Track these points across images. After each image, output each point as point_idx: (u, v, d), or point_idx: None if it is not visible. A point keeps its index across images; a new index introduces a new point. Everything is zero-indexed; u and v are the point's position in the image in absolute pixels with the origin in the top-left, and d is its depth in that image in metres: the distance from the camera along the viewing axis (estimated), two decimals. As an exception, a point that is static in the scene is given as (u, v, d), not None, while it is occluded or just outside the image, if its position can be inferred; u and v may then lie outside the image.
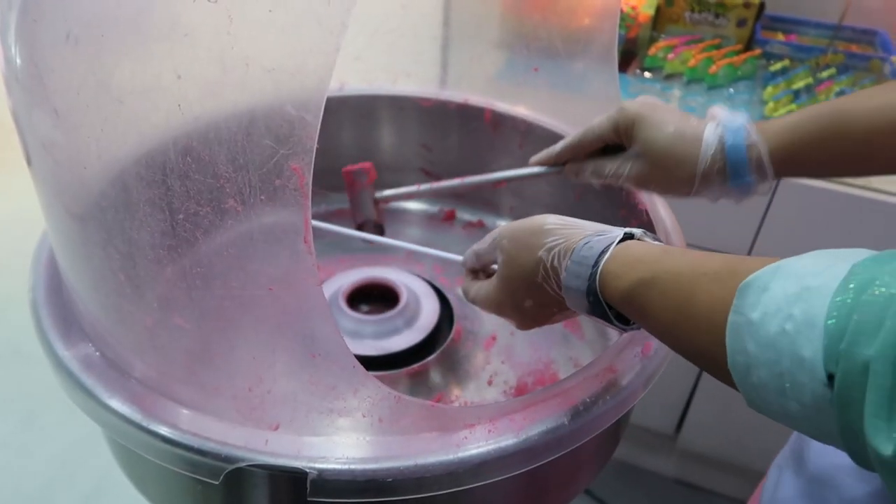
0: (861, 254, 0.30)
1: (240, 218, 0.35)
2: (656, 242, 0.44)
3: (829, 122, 0.51)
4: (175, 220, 0.36)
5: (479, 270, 0.56)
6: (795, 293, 0.29)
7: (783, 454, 0.55)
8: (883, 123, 0.49)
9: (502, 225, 0.53)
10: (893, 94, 0.49)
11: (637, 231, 0.44)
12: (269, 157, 0.33)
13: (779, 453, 0.56)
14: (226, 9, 0.33)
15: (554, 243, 0.45)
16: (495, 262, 0.52)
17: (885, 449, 0.25)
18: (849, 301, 0.27)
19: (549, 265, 0.45)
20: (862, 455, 0.27)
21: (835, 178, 0.57)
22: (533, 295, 0.48)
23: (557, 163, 0.63)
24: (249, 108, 0.33)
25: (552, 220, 0.47)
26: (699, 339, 0.35)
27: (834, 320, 0.27)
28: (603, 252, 0.42)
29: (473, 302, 0.54)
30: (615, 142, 0.59)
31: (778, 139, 0.52)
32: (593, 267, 0.42)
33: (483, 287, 0.53)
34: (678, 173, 0.54)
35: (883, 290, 0.26)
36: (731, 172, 0.53)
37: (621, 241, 0.43)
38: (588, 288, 0.42)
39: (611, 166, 0.58)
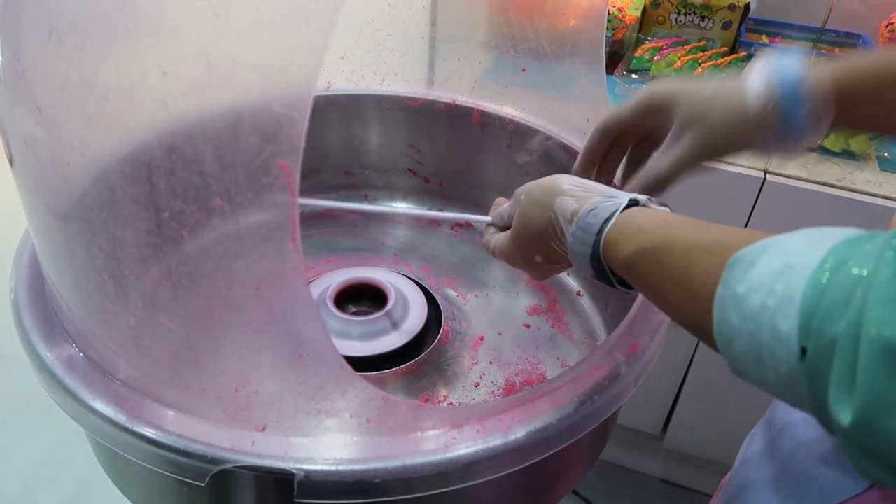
0: (845, 233, 0.31)
1: (226, 216, 0.35)
2: (661, 208, 0.45)
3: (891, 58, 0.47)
4: (160, 219, 0.36)
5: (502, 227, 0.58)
6: (779, 270, 0.30)
7: (758, 424, 0.56)
8: None
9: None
10: None
11: (642, 198, 0.45)
12: (256, 154, 0.33)
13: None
14: (212, 5, 0.33)
15: (563, 204, 0.47)
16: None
17: (845, 418, 0.26)
18: (824, 280, 0.29)
19: (557, 226, 0.47)
20: (828, 423, 0.29)
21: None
22: (542, 251, 0.50)
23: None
24: (236, 106, 0.33)
25: (567, 182, 0.49)
26: (690, 308, 0.37)
27: (809, 297, 0.29)
28: (607, 220, 0.44)
29: (493, 253, 0.57)
30: (646, 129, 0.55)
31: (833, 65, 0.47)
32: (597, 234, 0.44)
33: (500, 238, 0.55)
34: (730, 112, 0.49)
35: (854, 270, 0.28)
36: (782, 116, 0.47)
37: (626, 207, 0.44)
38: (592, 254, 0.45)
39: (661, 159, 0.52)
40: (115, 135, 0.36)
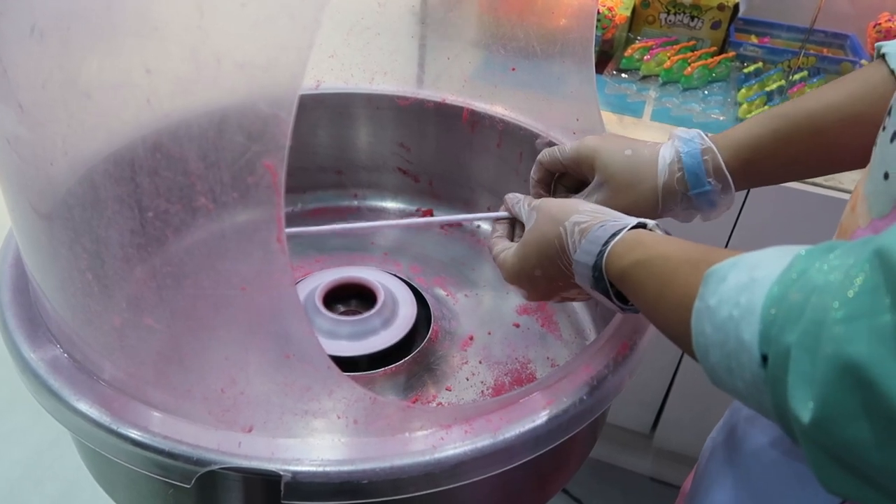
0: (808, 247, 0.32)
1: (211, 216, 0.35)
2: (663, 234, 0.47)
3: (781, 124, 0.53)
4: (144, 218, 0.35)
5: (512, 232, 0.61)
6: (745, 283, 0.32)
7: (717, 428, 0.57)
8: (829, 123, 0.51)
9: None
10: (836, 94, 0.51)
11: (650, 222, 0.48)
12: (241, 154, 0.33)
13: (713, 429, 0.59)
14: (197, 2, 0.32)
15: (577, 220, 0.49)
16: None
17: (804, 416, 0.27)
18: (783, 290, 0.30)
19: (566, 239, 0.49)
20: (789, 427, 0.30)
21: (801, 179, 0.57)
22: (543, 265, 0.52)
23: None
24: (221, 105, 0.33)
25: (584, 206, 0.51)
26: (675, 318, 0.38)
27: (768, 307, 0.30)
28: (614, 235, 0.46)
29: (496, 260, 0.58)
30: (576, 171, 0.61)
31: (732, 142, 0.54)
32: (603, 245, 0.46)
33: (508, 250, 0.57)
34: (640, 191, 0.56)
35: (814, 279, 0.29)
36: (690, 181, 0.55)
37: (633, 228, 0.47)
38: (595, 263, 0.47)
39: (577, 197, 0.60)
40: (99, 133, 0.35)
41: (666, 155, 0.55)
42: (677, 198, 0.55)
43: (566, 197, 0.61)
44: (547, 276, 0.52)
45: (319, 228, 0.63)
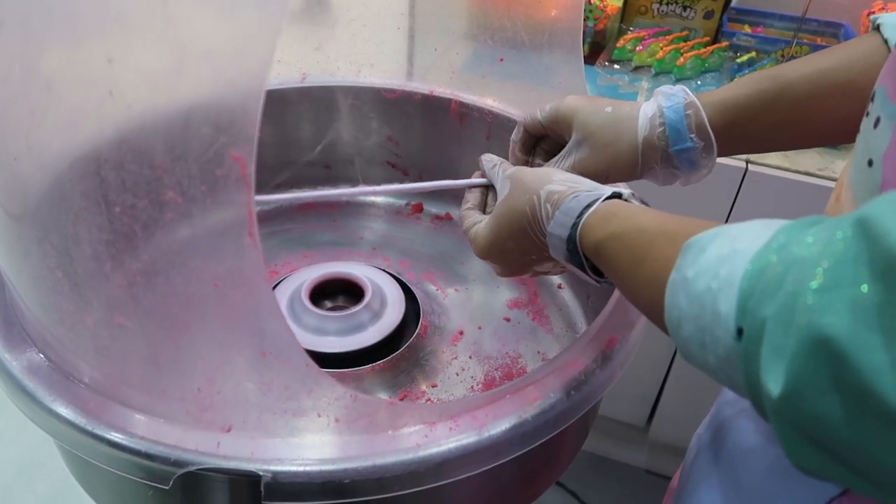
0: (791, 221, 0.31)
1: (180, 210, 0.33)
2: (640, 204, 0.46)
3: (768, 86, 0.51)
4: (112, 214, 0.34)
5: (484, 203, 0.59)
6: (725, 255, 0.31)
7: (703, 424, 0.57)
8: (818, 88, 0.50)
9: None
10: (827, 60, 0.50)
11: (625, 192, 0.47)
12: (208, 146, 0.31)
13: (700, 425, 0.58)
14: (160, -10, 0.31)
15: (550, 189, 0.48)
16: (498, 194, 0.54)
17: (774, 390, 0.26)
18: (763, 262, 0.29)
19: (539, 210, 0.48)
20: (760, 405, 0.29)
21: (786, 149, 0.56)
22: (516, 237, 0.50)
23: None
24: (187, 96, 0.32)
25: (558, 175, 0.49)
26: (649, 292, 0.37)
27: (748, 279, 0.29)
28: (588, 206, 0.45)
29: (466, 233, 0.56)
30: (555, 133, 0.59)
31: (717, 100, 0.53)
32: (577, 217, 0.45)
33: (479, 223, 0.55)
34: (620, 147, 0.54)
35: (794, 252, 0.28)
36: (671, 136, 0.53)
37: (608, 198, 0.45)
38: (569, 236, 0.45)
39: (554, 160, 0.58)
40: (62, 126, 0.34)
41: (647, 110, 0.54)
42: (658, 155, 0.53)
43: (545, 162, 0.60)
44: (520, 248, 0.51)
45: (284, 196, 0.60)
